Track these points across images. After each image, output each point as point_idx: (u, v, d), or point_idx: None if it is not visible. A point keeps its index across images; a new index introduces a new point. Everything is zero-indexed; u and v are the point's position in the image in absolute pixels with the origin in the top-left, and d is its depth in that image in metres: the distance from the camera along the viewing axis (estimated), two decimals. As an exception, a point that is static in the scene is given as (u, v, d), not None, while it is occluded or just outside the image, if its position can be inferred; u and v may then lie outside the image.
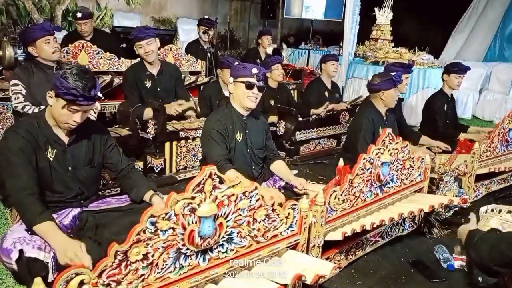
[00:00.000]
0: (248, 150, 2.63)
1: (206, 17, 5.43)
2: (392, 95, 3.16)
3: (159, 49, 3.62)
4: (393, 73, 3.23)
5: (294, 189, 2.55)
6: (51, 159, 1.95)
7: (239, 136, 2.58)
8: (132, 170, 2.23)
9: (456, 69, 3.95)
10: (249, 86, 2.47)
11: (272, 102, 4.34)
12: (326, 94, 4.65)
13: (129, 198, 2.17)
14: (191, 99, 3.66)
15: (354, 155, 2.87)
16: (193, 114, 3.66)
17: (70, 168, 2.02)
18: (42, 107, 2.74)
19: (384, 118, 3.26)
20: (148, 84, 3.50)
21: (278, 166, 2.71)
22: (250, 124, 2.65)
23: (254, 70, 2.47)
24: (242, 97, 2.50)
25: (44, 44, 2.80)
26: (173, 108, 3.42)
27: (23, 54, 4.32)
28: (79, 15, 4.40)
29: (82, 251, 1.60)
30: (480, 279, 1.76)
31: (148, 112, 3.30)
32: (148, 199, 2.06)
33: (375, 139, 3.00)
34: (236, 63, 3.74)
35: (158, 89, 3.54)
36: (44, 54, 2.81)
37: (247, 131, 2.62)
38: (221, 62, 3.90)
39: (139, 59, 3.68)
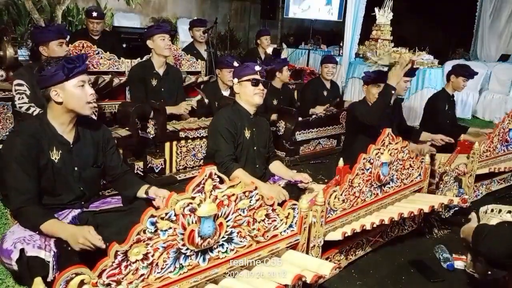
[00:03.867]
0: (254, 148, 2.69)
1: (196, 18, 5.41)
2: (370, 91, 3.25)
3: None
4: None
5: (299, 185, 2.58)
6: (56, 160, 1.95)
7: (247, 133, 2.65)
8: (128, 172, 2.25)
9: (466, 73, 3.96)
10: (255, 83, 2.54)
11: (275, 102, 4.35)
12: (325, 93, 4.70)
13: (121, 197, 2.17)
14: (199, 93, 3.76)
15: (351, 153, 2.88)
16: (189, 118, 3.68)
17: (76, 168, 2.02)
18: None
19: None
20: (154, 83, 3.55)
21: (277, 165, 2.80)
22: (257, 123, 2.72)
23: (257, 67, 2.55)
24: (250, 95, 2.57)
25: (56, 47, 2.83)
26: (182, 108, 3.51)
27: (24, 54, 4.32)
28: (94, 14, 4.42)
29: (91, 233, 1.64)
30: (489, 272, 1.77)
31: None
32: (144, 192, 2.07)
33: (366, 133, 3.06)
34: (236, 64, 3.76)
35: (162, 89, 3.58)
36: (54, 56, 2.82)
37: (254, 129, 2.68)
38: (220, 61, 3.91)
39: (145, 57, 3.74)
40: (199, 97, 3.71)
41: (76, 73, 1.87)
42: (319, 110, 4.49)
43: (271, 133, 2.87)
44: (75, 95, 1.88)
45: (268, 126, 2.87)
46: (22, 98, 2.79)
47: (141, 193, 2.09)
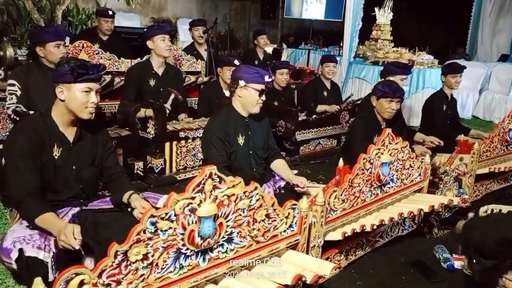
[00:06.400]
0: (250, 152, 2.62)
1: (196, 18, 5.41)
2: (382, 105, 3.04)
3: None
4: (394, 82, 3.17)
5: (296, 189, 2.54)
6: (56, 157, 1.98)
7: (241, 140, 2.57)
8: (122, 175, 2.24)
9: (450, 69, 3.98)
10: (261, 94, 2.49)
11: (276, 103, 4.35)
12: (325, 93, 4.69)
13: (111, 201, 2.16)
14: (172, 92, 3.55)
15: (349, 156, 2.87)
16: (184, 116, 3.63)
17: (74, 167, 2.05)
18: (31, 112, 2.72)
19: (383, 126, 3.11)
20: (152, 82, 3.53)
21: (278, 164, 2.72)
22: (252, 125, 2.63)
23: (267, 78, 2.48)
24: (252, 103, 2.50)
25: (53, 48, 2.79)
26: None
27: (24, 54, 4.31)
28: (110, 12, 4.45)
29: (74, 233, 1.62)
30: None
31: (141, 112, 3.30)
32: (126, 199, 2.06)
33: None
34: (237, 62, 3.72)
35: (161, 89, 3.56)
36: (51, 57, 2.80)
37: (249, 133, 2.61)
38: (221, 60, 3.89)
39: (146, 57, 3.71)
40: (172, 96, 3.54)
41: (84, 79, 1.91)
42: (324, 107, 4.52)
43: (270, 131, 2.78)
44: (77, 98, 1.93)
45: (267, 124, 2.76)
46: (12, 98, 2.77)
47: (125, 199, 2.07)
